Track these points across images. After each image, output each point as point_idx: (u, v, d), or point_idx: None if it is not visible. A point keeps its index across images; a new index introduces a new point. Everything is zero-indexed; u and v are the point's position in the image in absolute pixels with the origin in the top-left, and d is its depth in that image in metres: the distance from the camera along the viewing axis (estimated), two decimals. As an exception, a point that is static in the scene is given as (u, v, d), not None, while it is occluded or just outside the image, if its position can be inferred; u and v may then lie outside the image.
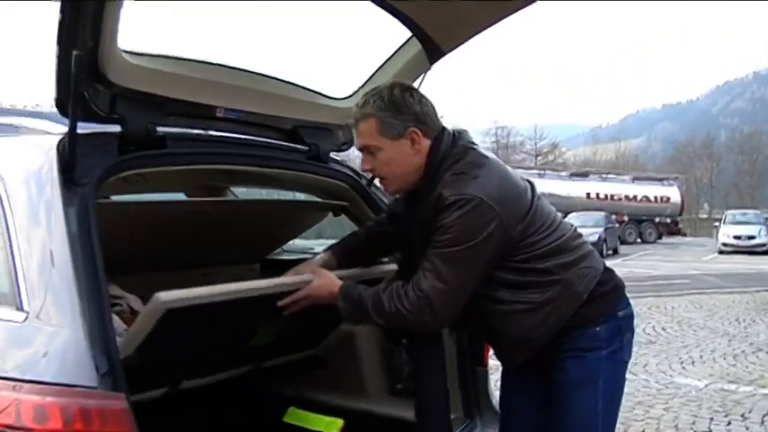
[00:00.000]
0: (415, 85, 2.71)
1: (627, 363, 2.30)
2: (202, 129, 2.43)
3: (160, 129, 2.19)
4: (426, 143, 2.15)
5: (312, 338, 3.01)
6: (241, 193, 4.12)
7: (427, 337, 2.35)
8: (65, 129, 1.89)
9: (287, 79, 2.65)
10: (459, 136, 2.19)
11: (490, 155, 2.20)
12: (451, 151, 2.13)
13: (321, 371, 3.10)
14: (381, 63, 2.77)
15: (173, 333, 2.03)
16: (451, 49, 2.73)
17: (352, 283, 2.23)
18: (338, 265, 2.46)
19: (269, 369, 2.93)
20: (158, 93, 2.16)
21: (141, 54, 2.11)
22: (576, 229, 2.29)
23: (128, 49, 2.05)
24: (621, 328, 2.23)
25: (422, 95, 2.20)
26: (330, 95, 2.80)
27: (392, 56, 2.75)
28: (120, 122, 2.08)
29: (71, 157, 1.85)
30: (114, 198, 2.90)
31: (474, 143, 2.20)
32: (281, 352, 2.92)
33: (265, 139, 2.66)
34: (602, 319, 2.18)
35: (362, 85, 2.82)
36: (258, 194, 4.34)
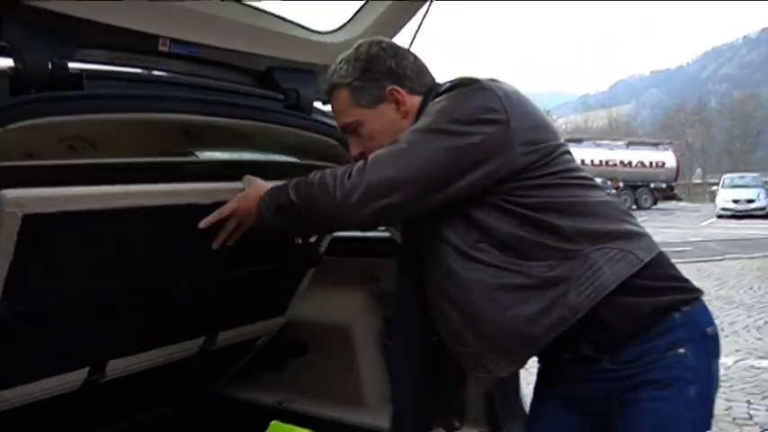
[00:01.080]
0: (416, 21, 2.21)
1: (715, 395, 1.62)
2: (140, 68, 1.83)
3: (76, 65, 1.61)
4: (416, 101, 1.70)
5: (270, 299, 2.42)
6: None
7: (401, 329, 1.79)
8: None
9: (259, 6, 2.05)
10: None
11: None
12: None
13: (309, 376, 2.56)
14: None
15: (55, 263, 1.52)
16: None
17: None
18: None
19: (226, 352, 2.33)
20: (68, 12, 1.54)
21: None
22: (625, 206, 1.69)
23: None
24: (711, 353, 1.58)
25: (398, 48, 1.75)
26: (313, 29, 2.20)
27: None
28: (10, 53, 1.48)
29: None
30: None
31: None
32: (236, 317, 2.31)
33: (230, 83, 2.08)
34: (685, 337, 1.52)
35: (353, 17, 2.23)
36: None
